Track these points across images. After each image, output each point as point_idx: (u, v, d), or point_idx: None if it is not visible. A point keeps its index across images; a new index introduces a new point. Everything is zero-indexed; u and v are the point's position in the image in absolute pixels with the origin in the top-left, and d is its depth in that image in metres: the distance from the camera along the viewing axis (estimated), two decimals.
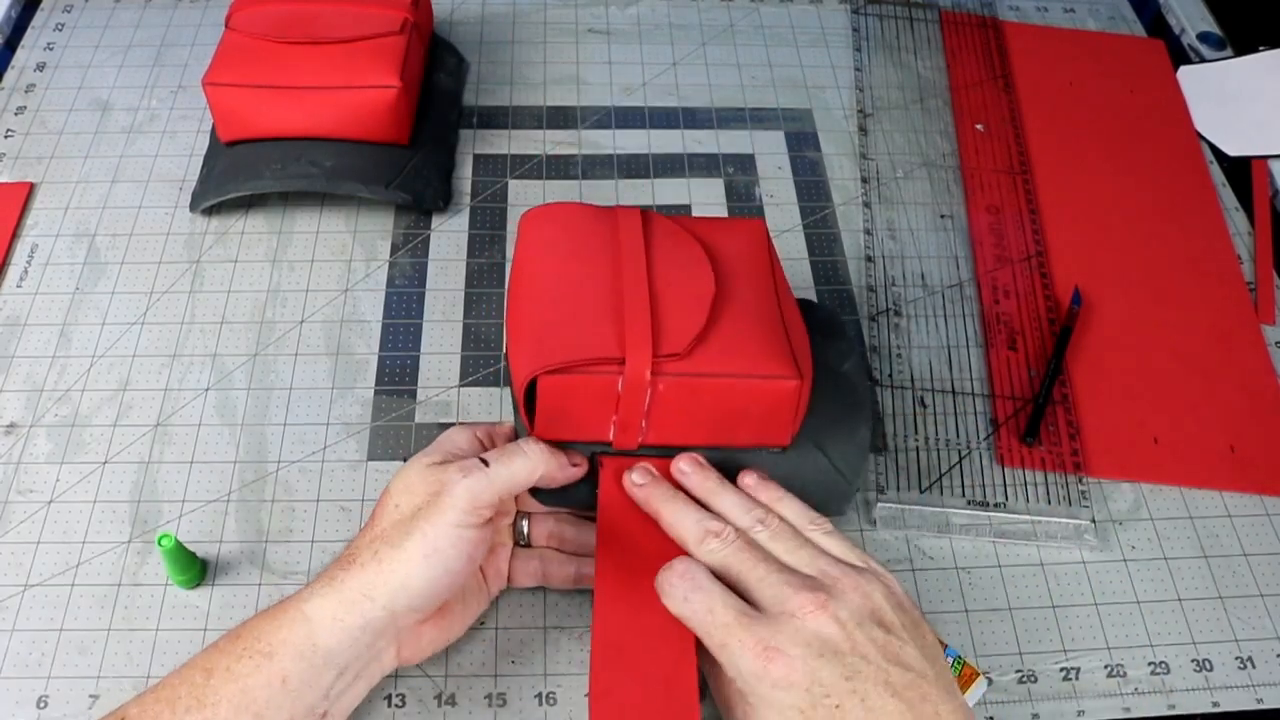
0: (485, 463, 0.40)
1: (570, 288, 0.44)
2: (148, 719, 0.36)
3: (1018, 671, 0.47)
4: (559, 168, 0.66)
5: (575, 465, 0.44)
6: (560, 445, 0.44)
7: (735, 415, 0.42)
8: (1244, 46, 0.76)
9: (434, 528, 0.38)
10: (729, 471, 0.44)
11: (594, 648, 0.38)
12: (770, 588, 0.38)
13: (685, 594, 0.38)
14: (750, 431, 0.43)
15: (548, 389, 0.41)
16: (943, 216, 0.65)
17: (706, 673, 0.40)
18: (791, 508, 0.42)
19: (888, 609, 0.37)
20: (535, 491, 0.44)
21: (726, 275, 0.45)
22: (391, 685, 0.45)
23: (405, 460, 0.49)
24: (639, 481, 0.43)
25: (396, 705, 0.45)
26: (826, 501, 0.45)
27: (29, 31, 0.73)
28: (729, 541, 0.39)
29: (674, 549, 0.41)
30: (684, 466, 0.43)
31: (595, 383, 0.41)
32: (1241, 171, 0.69)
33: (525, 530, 0.46)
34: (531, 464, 0.41)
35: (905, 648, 0.36)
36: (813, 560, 0.39)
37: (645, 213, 0.47)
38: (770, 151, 0.68)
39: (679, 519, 0.41)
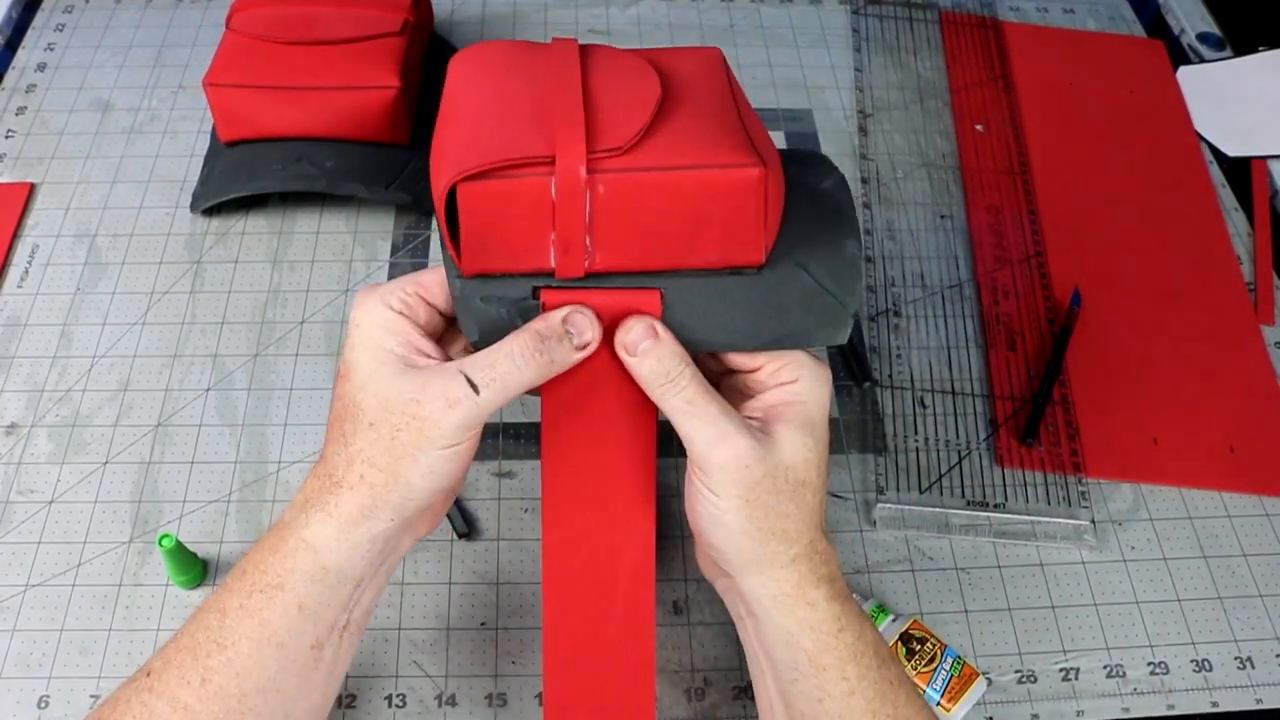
0: (470, 381, 0.35)
1: (496, 105, 0.37)
2: (171, 670, 0.35)
3: (1017, 672, 0.47)
4: None
5: (580, 348, 0.36)
6: (496, 279, 0.37)
7: (695, 223, 0.36)
8: (1243, 47, 0.76)
9: (425, 455, 0.35)
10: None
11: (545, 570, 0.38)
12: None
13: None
14: (716, 245, 0.36)
15: (470, 201, 0.35)
16: (942, 217, 0.65)
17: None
18: None
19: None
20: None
21: (676, 86, 0.38)
22: (392, 685, 0.46)
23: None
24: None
25: (397, 705, 0.45)
26: (821, 328, 0.38)
27: (30, 32, 0.73)
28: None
29: (633, 420, 0.38)
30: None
31: (524, 188, 0.35)
32: (1241, 172, 0.69)
33: None
34: (523, 372, 0.35)
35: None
36: None
37: (584, 44, 0.41)
38: None
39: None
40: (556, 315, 0.36)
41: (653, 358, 0.36)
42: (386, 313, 0.36)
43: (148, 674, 0.35)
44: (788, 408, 0.37)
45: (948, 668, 0.45)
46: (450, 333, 0.39)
